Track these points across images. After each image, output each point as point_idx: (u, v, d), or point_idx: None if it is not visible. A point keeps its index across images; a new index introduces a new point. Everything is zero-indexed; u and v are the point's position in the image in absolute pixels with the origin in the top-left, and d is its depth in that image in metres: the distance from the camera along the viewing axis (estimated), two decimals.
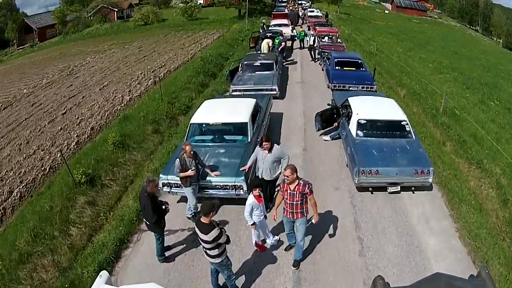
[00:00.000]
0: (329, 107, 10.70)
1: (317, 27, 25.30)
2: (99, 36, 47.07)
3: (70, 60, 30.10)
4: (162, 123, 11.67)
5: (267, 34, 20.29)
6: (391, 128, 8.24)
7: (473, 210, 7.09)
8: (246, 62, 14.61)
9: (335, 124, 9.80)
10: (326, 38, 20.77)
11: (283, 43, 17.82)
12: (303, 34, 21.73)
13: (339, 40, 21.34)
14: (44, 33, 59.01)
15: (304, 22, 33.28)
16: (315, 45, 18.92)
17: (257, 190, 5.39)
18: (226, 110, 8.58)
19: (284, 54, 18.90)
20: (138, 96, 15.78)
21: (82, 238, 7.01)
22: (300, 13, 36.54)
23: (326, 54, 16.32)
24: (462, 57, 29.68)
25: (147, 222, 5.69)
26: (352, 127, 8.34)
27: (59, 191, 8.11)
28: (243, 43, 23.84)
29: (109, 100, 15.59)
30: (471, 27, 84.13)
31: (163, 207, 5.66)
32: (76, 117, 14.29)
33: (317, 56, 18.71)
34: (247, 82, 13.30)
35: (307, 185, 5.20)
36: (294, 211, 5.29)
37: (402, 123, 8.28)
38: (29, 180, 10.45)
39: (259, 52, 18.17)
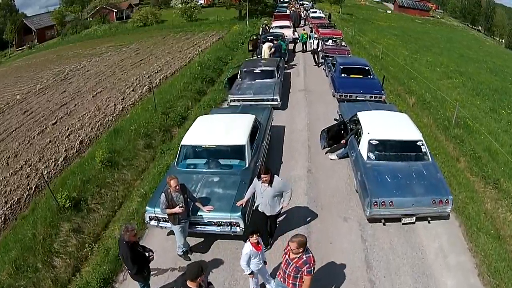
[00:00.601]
0: (336, 122, 9.91)
1: (320, 29, 24.36)
2: (97, 38, 46.31)
3: (66, 64, 29.39)
4: (155, 137, 10.95)
5: (268, 37, 19.41)
6: (406, 149, 7.41)
7: (492, 239, 6.55)
8: (245, 69, 13.70)
9: (343, 141, 8.89)
10: (330, 41, 19.87)
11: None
12: (305, 36, 20.71)
13: (343, 43, 20.48)
14: (43, 34, 58.53)
15: (306, 23, 32.43)
16: (318, 49, 18.04)
17: (255, 236, 4.62)
18: (221, 129, 7.68)
19: (286, 58, 18.08)
20: (131, 104, 15.05)
21: (66, 271, 6.49)
22: (302, 14, 35.60)
23: (331, 59, 15.42)
24: (468, 60, 28.90)
25: (129, 272, 4.96)
26: (363, 148, 7.50)
27: (42, 217, 7.58)
28: (244, 46, 22.97)
29: (101, 109, 14.87)
30: (473, 27, 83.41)
31: (147, 254, 4.92)
32: (66, 128, 13.59)
33: (320, 60, 17.88)
34: (246, 92, 12.43)
35: (307, 265, 4.25)
36: (286, 279, 4.47)
37: (418, 143, 7.45)
38: (14, 201, 9.90)
39: (259, 56, 17.36)
